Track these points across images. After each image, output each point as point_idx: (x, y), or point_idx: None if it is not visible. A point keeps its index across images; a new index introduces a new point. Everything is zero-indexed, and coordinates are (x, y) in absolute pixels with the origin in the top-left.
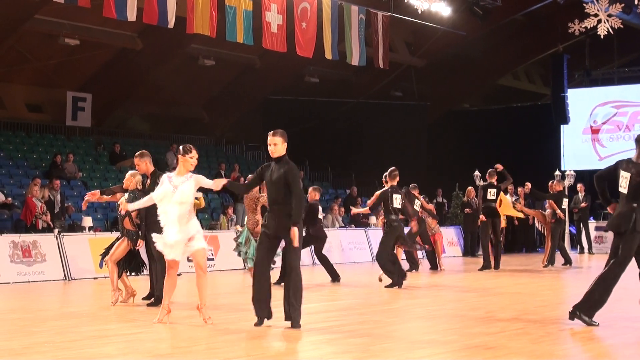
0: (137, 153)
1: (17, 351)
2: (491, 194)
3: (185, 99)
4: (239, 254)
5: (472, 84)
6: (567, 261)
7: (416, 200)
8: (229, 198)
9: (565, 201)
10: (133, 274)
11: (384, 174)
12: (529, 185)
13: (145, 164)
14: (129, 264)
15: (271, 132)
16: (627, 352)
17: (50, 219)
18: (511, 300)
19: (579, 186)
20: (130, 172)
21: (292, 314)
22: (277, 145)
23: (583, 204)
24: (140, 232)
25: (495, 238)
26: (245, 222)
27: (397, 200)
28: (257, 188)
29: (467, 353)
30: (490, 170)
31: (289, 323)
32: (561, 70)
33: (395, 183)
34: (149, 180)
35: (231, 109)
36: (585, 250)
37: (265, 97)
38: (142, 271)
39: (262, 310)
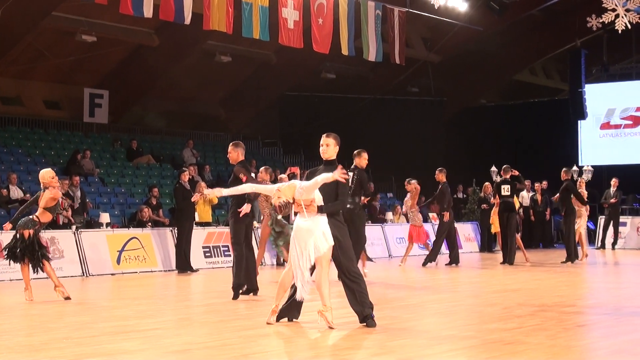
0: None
1: (36, 347)
2: (505, 189)
3: (202, 95)
4: (275, 245)
5: (489, 79)
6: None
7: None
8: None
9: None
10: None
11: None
12: (545, 182)
13: (237, 154)
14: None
15: (325, 134)
16: None
17: (71, 215)
18: (528, 296)
19: (614, 181)
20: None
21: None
22: (329, 146)
23: (613, 200)
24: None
25: (509, 233)
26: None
27: None
28: (269, 178)
29: (484, 349)
30: (504, 166)
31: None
32: (579, 66)
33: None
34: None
35: (248, 106)
36: (609, 246)
37: (281, 93)
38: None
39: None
